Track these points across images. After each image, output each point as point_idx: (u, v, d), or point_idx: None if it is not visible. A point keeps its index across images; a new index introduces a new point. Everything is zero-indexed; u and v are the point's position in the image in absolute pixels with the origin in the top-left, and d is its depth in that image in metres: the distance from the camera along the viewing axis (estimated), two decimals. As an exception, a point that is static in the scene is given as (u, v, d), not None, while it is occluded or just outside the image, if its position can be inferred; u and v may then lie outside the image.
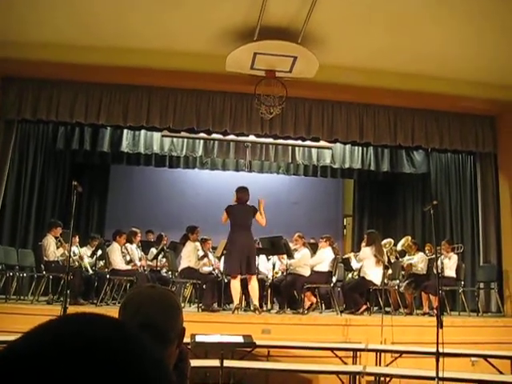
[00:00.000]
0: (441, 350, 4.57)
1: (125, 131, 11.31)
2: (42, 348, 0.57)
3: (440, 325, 4.54)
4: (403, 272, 10.27)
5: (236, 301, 8.35)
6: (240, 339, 4.67)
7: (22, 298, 9.15)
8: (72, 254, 8.80)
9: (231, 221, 8.52)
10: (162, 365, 0.63)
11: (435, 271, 9.65)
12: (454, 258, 9.72)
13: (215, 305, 8.97)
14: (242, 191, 8.68)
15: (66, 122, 9.79)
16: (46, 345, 0.58)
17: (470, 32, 7.71)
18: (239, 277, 8.34)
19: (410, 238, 10.70)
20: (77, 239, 9.72)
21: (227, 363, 5.56)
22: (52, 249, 9.08)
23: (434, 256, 9.92)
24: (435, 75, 9.04)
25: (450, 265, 9.55)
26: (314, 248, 10.03)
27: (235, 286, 8.36)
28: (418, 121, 9.75)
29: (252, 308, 8.22)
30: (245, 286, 8.63)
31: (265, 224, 8.58)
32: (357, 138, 9.62)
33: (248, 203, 8.63)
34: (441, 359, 4.72)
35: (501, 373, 6.61)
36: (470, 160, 11.04)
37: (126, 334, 0.63)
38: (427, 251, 10.28)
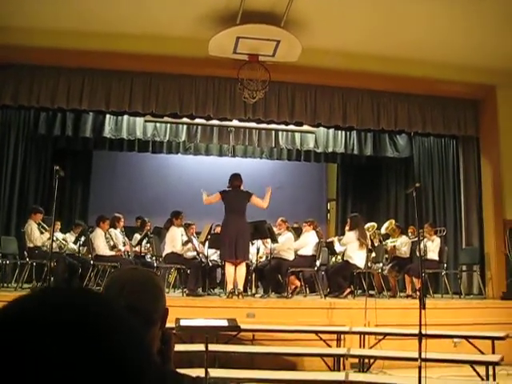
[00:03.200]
0: (423, 332, 4.62)
1: (107, 116, 11.22)
2: (32, 315, 0.57)
3: (423, 306, 4.59)
4: (387, 255, 10.35)
5: (230, 285, 8.38)
6: (225, 323, 4.68)
7: (5, 285, 9.09)
8: (55, 239, 8.75)
9: (225, 206, 8.55)
10: (147, 347, 0.63)
11: (418, 254, 9.79)
12: (437, 240, 9.80)
13: (199, 289, 8.99)
14: (235, 177, 8.70)
15: (47, 108, 9.68)
16: (36, 311, 0.57)
17: (455, 16, 7.72)
18: (233, 261, 8.37)
19: (393, 221, 10.78)
20: (59, 225, 9.66)
21: (212, 347, 5.59)
22: (37, 235, 9.03)
23: (416, 239, 10.01)
24: (418, 59, 9.05)
25: (432, 248, 9.64)
26: (297, 232, 10.08)
27: (229, 270, 8.41)
28: (401, 105, 9.78)
29: (236, 292, 8.26)
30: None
31: (266, 207, 8.67)
32: (340, 122, 9.63)
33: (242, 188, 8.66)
34: (423, 340, 4.77)
35: (482, 353, 6.70)
36: (453, 144, 11.12)
37: (115, 312, 0.63)
38: (410, 234, 10.37)
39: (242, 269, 8.44)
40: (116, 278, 1.61)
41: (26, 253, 9.04)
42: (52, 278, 6.18)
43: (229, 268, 8.41)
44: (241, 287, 8.38)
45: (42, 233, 9.14)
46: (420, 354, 4.57)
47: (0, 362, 0.53)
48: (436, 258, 9.64)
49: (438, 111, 9.87)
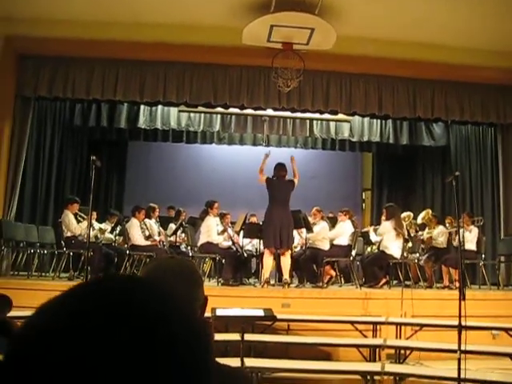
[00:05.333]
0: (463, 323, 4.53)
1: (142, 107, 11.30)
2: (63, 322, 0.53)
3: (463, 296, 4.49)
4: (423, 245, 10.20)
5: (266, 274, 8.38)
6: (261, 313, 4.66)
7: (43, 274, 9.23)
8: (92, 229, 8.85)
9: (270, 195, 8.57)
10: (208, 344, 0.60)
11: (455, 244, 9.62)
12: (475, 230, 9.61)
13: (234, 279, 9.00)
14: (280, 167, 8.69)
15: (82, 99, 9.79)
16: (67, 318, 0.54)
17: (493, 2, 7.53)
18: (273, 251, 8.36)
19: (430, 211, 10.58)
20: (94, 215, 9.77)
21: (247, 337, 5.58)
22: (75, 224, 9.15)
23: (454, 229, 9.84)
24: (456, 45, 8.87)
25: (470, 238, 9.45)
26: (332, 222, 10.00)
27: (267, 260, 8.42)
28: (437, 92, 9.61)
29: (282, 282, 8.28)
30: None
31: (297, 179, 8.75)
32: (375, 110, 9.51)
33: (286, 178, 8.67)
34: (463, 332, 4.68)
35: (522, 345, 6.55)
36: (491, 132, 10.87)
37: (163, 296, 0.60)
38: (447, 224, 10.18)
39: (287, 258, 8.46)
40: (155, 267, 1.59)
41: (62, 242, 9.16)
42: (89, 268, 6.21)
43: (267, 257, 8.41)
44: (286, 276, 8.39)
45: (79, 222, 9.25)
46: (459, 345, 4.48)
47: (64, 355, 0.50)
48: (474, 248, 9.45)
49: (475, 98, 9.67)
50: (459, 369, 4.53)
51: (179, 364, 0.54)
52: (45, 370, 0.50)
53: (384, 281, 8.97)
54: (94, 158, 5.59)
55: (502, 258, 9.80)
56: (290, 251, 8.54)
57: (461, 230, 9.03)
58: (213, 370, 0.59)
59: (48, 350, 0.51)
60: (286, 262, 8.44)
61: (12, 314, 6.28)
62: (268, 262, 8.40)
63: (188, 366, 0.55)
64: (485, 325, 6.86)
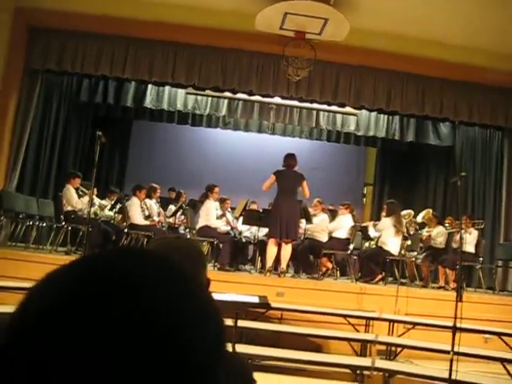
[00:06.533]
0: (458, 325, 4.52)
1: (149, 86, 11.25)
2: (68, 298, 0.50)
3: (459, 298, 4.48)
4: (421, 244, 10.19)
5: (269, 263, 8.37)
6: (256, 299, 4.65)
7: (40, 247, 9.23)
8: (93, 204, 8.84)
9: (279, 185, 8.49)
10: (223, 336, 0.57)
11: (454, 245, 9.62)
12: (475, 233, 9.60)
13: (231, 264, 9.00)
14: (290, 157, 8.62)
15: (90, 75, 9.76)
16: (73, 292, 0.50)
17: (508, 4, 7.47)
18: (278, 241, 8.35)
19: (431, 210, 10.57)
20: (95, 191, 9.75)
21: (240, 323, 5.57)
22: (76, 199, 9.14)
23: (453, 230, 9.83)
24: (471, 45, 8.81)
25: (469, 240, 9.43)
26: (332, 214, 9.98)
27: (271, 249, 8.40)
28: (447, 92, 9.55)
29: (279, 271, 8.29)
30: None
31: (307, 196, 8.63)
32: (383, 105, 9.47)
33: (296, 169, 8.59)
34: (456, 334, 4.67)
35: (514, 351, 6.55)
36: (498, 136, 10.80)
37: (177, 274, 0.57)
38: (447, 225, 10.17)
39: (288, 248, 8.44)
40: (160, 245, 1.57)
41: (62, 216, 9.15)
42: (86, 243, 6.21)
43: (271, 246, 8.40)
44: (284, 266, 8.39)
45: (80, 197, 9.25)
46: (453, 346, 4.47)
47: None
48: (472, 250, 9.44)
49: (485, 100, 9.61)
50: (451, 370, 4.53)
51: (189, 351, 0.51)
52: (45, 356, 0.47)
53: (380, 277, 8.96)
54: (100, 133, 5.58)
55: (500, 263, 9.79)
56: (291, 242, 8.51)
57: (461, 232, 9.06)
58: (225, 358, 0.56)
59: (49, 333, 0.47)
60: (286, 251, 8.42)
61: (9, 284, 6.31)
62: (272, 250, 8.38)
63: (199, 352, 0.52)
64: (480, 328, 6.85)
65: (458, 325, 4.53)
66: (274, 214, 8.43)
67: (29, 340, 0.48)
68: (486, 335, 7.23)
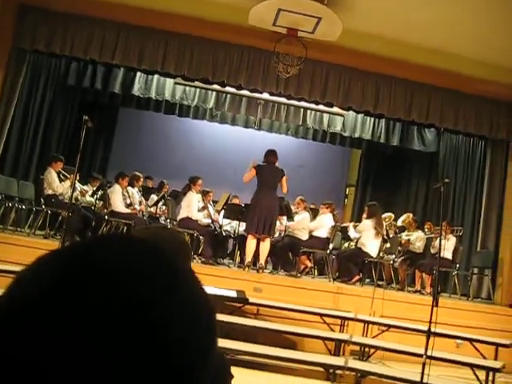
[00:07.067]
0: (432, 330, 4.57)
1: (138, 74, 11.19)
2: (50, 287, 0.49)
3: (435, 303, 4.53)
4: (400, 248, 10.27)
5: (249, 258, 8.38)
6: (233, 294, 4.67)
7: (18, 229, 9.15)
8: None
9: (259, 180, 8.47)
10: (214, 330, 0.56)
11: (432, 251, 9.71)
12: (453, 240, 9.70)
13: (211, 258, 9.00)
14: (271, 153, 8.61)
15: (79, 58, 9.66)
16: (56, 282, 0.50)
17: (496, 17, 7.54)
18: (255, 236, 8.35)
19: (411, 215, 10.66)
20: (77, 176, 9.68)
21: (217, 317, 5.58)
22: (58, 182, 9.07)
23: (432, 235, 9.92)
24: (457, 54, 8.85)
25: (447, 246, 9.50)
26: (313, 213, 10.02)
27: (250, 243, 8.40)
28: (434, 98, 9.60)
29: (257, 266, 8.30)
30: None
31: (286, 192, 8.62)
32: (371, 108, 9.50)
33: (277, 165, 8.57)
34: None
35: (484, 358, 6.64)
36: (481, 144, 10.90)
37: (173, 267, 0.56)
38: (426, 230, 10.26)
39: (266, 244, 8.45)
40: (146, 235, 1.56)
41: (42, 200, 9.08)
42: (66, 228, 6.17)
43: (251, 241, 8.40)
44: (263, 262, 8.42)
45: (61, 181, 9.17)
46: (426, 350, 4.52)
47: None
48: (450, 257, 9.53)
49: (471, 110, 9.68)
50: (423, 373, 4.58)
51: (177, 349, 0.50)
52: (30, 338, 0.46)
53: (357, 277, 9.03)
54: (87, 117, 5.54)
55: (476, 270, 9.90)
56: (269, 238, 8.53)
57: (439, 238, 9.14)
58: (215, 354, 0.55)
59: (33, 317, 0.47)
60: (264, 247, 8.44)
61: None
62: (251, 245, 8.39)
63: (188, 351, 0.51)
64: (453, 333, 6.93)
65: (433, 329, 4.58)
66: (253, 208, 8.43)
67: (15, 322, 0.48)
68: (458, 340, 7.32)
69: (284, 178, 8.49)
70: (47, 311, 0.47)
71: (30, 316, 0.47)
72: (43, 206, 8.99)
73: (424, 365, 4.60)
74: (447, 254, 9.49)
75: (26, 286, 0.50)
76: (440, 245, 5.59)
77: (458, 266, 9.70)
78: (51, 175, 9.09)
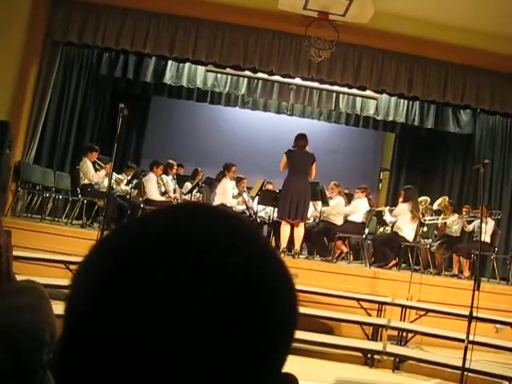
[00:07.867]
0: (474, 314, 4.50)
1: (169, 63, 11.22)
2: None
3: (477, 287, 4.46)
4: (436, 232, 10.13)
5: (283, 244, 8.36)
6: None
7: (56, 219, 9.29)
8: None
9: (290, 165, 8.37)
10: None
11: (472, 233, 9.56)
12: (491, 223, 9.53)
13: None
14: (301, 137, 8.50)
15: (111, 48, 9.73)
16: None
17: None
18: (288, 221, 8.33)
19: (447, 198, 10.49)
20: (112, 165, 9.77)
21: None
22: (93, 172, 9.17)
23: (469, 218, 9.76)
24: (494, 32, 8.66)
25: (486, 230, 9.35)
26: (347, 198, 9.94)
27: (284, 229, 8.38)
28: (470, 79, 9.43)
29: (293, 252, 8.29)
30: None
31: (313, 177, 8.50)
32: (405, 90, 9.37)
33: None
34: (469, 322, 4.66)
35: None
36: (520, 125, 10.67)
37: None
38: (464, 213, 10.09)
39: (300, 229, 8.41)
40: None
41: (78, 189, 9.19)
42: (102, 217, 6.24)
43: (284, 227, 8.37)
44: (297, 247, 8.38)
45: (96, 171, 9.28)
46: (468, 335, 4.46)
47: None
48: (488, 240, 9.36)
49: (508, 89, 9.47)
50: (464, 358, 4.52)
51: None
52: (115, 314, 0.45)
53: (394, 262, 8.94)
54: (123, 105, 5.55)
55: (514, 254, 9.73)
56: (303, 223, 8.49)
57: (478, 221, 8.99)
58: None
59: (116, 293, 0.46)
60: (299, 233, 8.40)
61: (21, 254, 6.34)
62: (285, 231, 8.36)
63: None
64: (495, 318, 6.81)
65: (474, 314, 4.52)
66: (285, 194, 8.37)
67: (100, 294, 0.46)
68: (498, 325, 7.20)
69: (314, 164, 8.40)
70: (136, 282, 0.46)
71: (113, 289, 0.46)
72: (79, 196, 9.11)
73: (466, 349, 4.54)
74: (486, 237, 9.32)
75: (123, 256, 0.48)
76: (480, 228, 5.48)
77: (496, 249, 9.53)
78: (87, 165, 9.19)
